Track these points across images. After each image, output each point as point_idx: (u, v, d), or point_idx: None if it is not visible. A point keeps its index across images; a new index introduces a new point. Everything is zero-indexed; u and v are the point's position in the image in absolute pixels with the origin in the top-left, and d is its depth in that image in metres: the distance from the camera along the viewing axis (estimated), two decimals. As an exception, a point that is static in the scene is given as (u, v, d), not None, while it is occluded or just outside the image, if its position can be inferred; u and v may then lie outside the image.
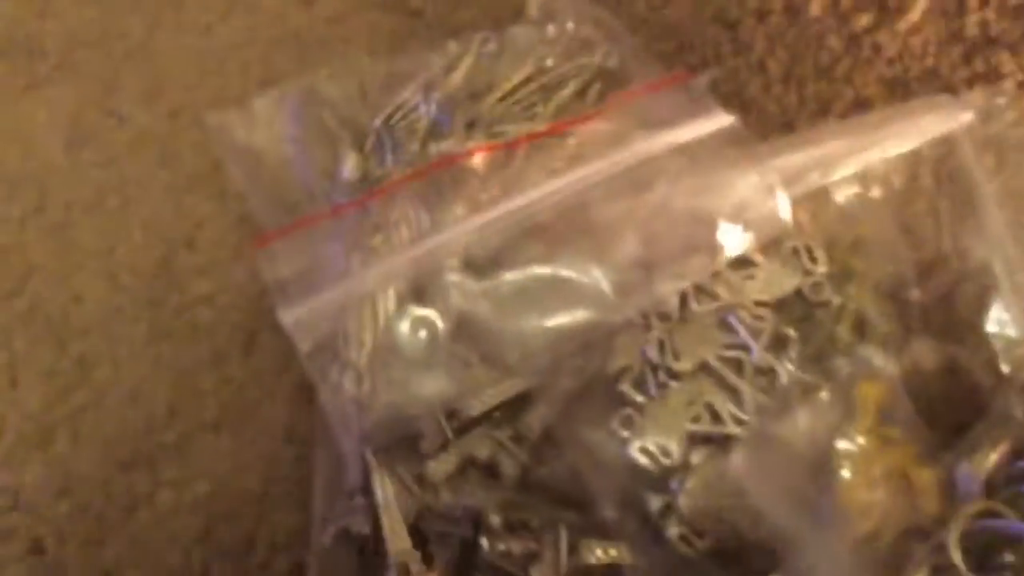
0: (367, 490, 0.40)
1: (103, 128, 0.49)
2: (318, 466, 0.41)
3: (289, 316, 0.41)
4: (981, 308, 0.44)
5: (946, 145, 0.46)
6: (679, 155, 0.43)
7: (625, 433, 0.40)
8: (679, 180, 0.42)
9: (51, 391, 0.46)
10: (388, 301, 0.42)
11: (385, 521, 0.40)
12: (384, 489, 0.40)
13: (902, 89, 0.49)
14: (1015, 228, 0.45)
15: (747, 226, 0.43)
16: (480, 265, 0.42)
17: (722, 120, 0.43)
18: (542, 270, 0.41)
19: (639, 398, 0.41)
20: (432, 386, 0.41)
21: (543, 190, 0.42)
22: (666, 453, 0.40)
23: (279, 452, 0.45)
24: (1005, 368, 0.43)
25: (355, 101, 0.47)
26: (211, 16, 0.51)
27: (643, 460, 0.40)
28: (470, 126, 0.46)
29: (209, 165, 0.48)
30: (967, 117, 0.45)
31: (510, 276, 0.41)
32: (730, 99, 0.49)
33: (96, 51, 0.51)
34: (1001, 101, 0.48)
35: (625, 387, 0.41)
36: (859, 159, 0.46)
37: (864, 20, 0.50)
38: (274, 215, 0.46)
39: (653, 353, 0.42)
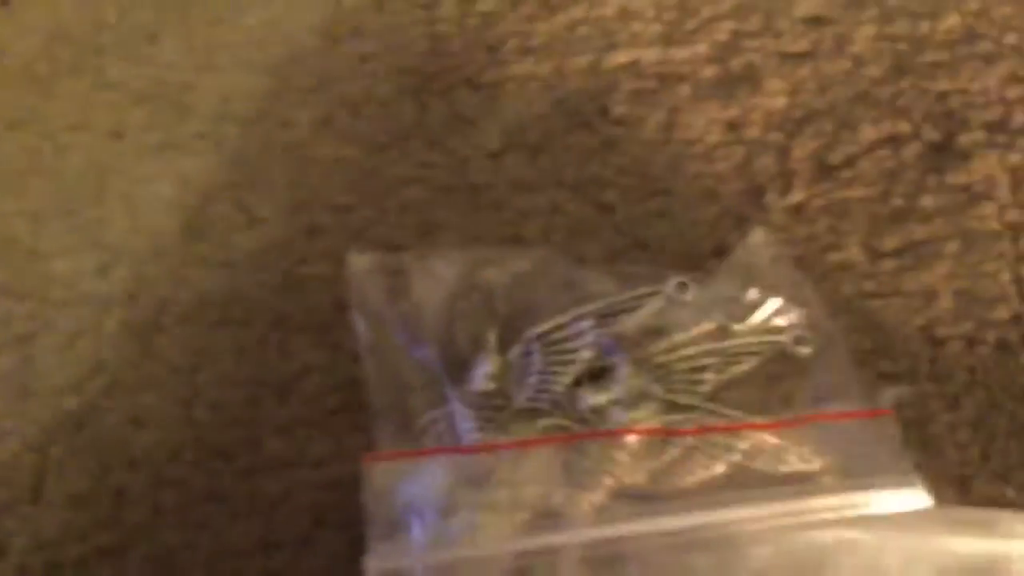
0: None
1: (229, 223, 0.43)
2: None
3: (377, 563, 0.36)
4: None
5: None
6: (860, 522, 0.37)
7: None
8: (852, 554, 0.37)
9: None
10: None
11: None
12: None
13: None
14: None
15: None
16: (598, 565, 0.37)
17: (917, 497, 0.38)
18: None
19: None
20: None
21: (693, 513, 0.37)
22: None
23: None
24: None
25: (517, 298, 0.41)
26: (388, 136, 0.45)
27: None
28: (633, 376, 0.41)
29: (332, 306, 0.42)
30: None
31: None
32: (910, 427, 0.44)
33: (250, 130, 0.44)
34: None
35: None
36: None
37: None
38: (381, 390, 0.40)
39: None
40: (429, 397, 0.40)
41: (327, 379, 0.42)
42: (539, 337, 0.41)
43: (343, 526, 0.38)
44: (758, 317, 0.42)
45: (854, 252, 0.45)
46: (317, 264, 0.43)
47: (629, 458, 0.38)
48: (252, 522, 0.39)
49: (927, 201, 0.46)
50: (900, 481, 0.38)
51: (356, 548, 0.36)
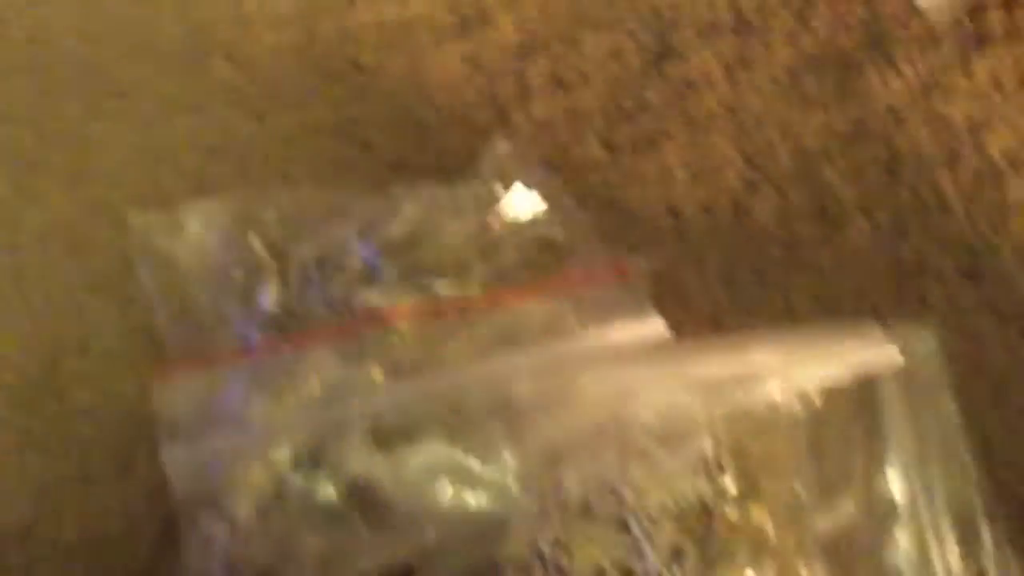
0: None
1: (16, 206, 0.47)
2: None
3: (172, 456, 0.39)
4: (879, 541, 0.44)
5: (867, 374, 0.46)
6: (606, 352, 0.42)
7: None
8: (602, 378, 0.42)
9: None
10: (283, 454, 0.40)
11: None
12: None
13: (831, 305, 0.49)
14: (922, 468, 0.45)
15: (663, 431, 0.43)
16: (386, 435, 0.41)
17: (655, 328, 0.43)
18: (448, 453, 0.40)
19: (524, 593, 0.40)
20: (310, 547, 0.39)
21: (467, 371, 0.41)
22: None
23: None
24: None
25: (289, 229, 0.46)
26: (155, 112, 0.50)
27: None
28: (402, 278, 0.45)
29: (120, 267, 0.46)
30: (893, 353, 0.46)
31: (414, 453, 0.40)
32: (664, 285, 0.49)
33: (27, 128, 0.49)
34: (930, 342, 0.49)
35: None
36: (781, 376, 0.46)
37: (805, 230, 0.51)
38: (178, 333, 0.44)
39: (546, 547, 0.41)
40: (218, 326, 0.44)
41: (121, 330, 0.46)
42: (314, 257, 0.45)
43: (154, 457, 0.41)
44: (511, 212, 0.48)
45: (594, 149, 0.51)
46: (102, 231, 0.47)
47: (400, 340, 0.43)
48: (68, 462, 0.42)
49: (652, 97, 0.52)
50: (641, 318, 0.44)
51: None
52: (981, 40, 0.55)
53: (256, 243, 0.45)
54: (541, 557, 0.41)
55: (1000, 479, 0.46)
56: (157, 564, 0.42)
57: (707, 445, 0.44)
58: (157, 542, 0.42)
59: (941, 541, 0.45)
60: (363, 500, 0.40)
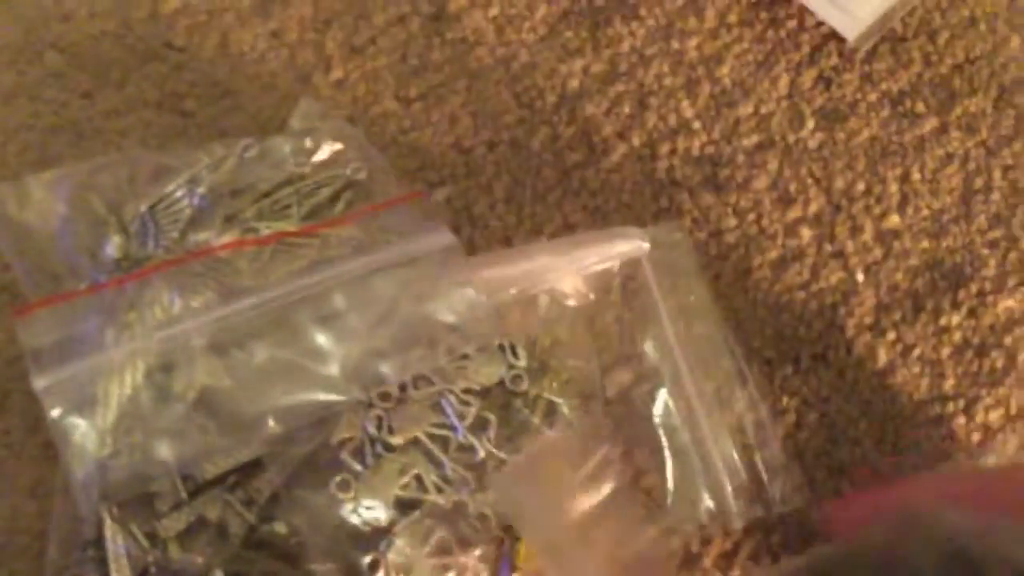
0: (100, 544, 0.44)
1: None
2: (56, 521, 0.45)
3: (41, 382, 0.45)
4: (651, 402, 0.54)
5: (632, 267, 0.55)
6: (409, 264, 0.50)
7: (342, 496, 0.47)
8: (408, 286, 0.50)
9: None
10: (136, 373, 0.47)
11: (114, 572, 0.45)
12: (115, 543, 0.45)
13: (602, 218, 0.59)
14: (682, 338, 0.55)
15: (462, 327, 0.51)
16: (225, 345, 0.48)
17: (447, 238, 0.51)
18: (281, 354, 0.47)
19: (357, 467, 0.47)
20: (170, 450, 0.46)
21: (287, 286, 0.49)
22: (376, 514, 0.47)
23: (22, 506, 0.48)
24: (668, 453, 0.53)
25: (124, 189, 0.52)
26: (-7, 98, 0.56)
27: (355, 520, 0.47)
28: (228, 220, 0.52)
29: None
30: (647, 246, 0.55)
31: (252, 357, 0.47)
32: (460, 213, 0.57)
33: None
34: (679, 234, 0.59)
35: (345, 456, 0.47)
36: (560, 274, 0.55)
37: (575, 158, 0.60)
38: (37, 286, 0.50)
39: (372, 428, 0.49)
40: (71, 277, 0.50)
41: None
42: (149, 209, 0.52)
43: (28, 392, 0.47)
44: (319, 158, 0.56)
45: (389, 104, 0.59)
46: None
47: (231, 269, 0.50)
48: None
49: (436, 55, 0.61)
50: (434, 233, 0.52)
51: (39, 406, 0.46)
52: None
53: (96, 202, 0.51)
54: (369, 436, 0.49)
55: (749, 345, 0.57)
56: (41, 479, 0.49)
57: (500, 335, 0.53)
58: (39, 461, 0.49)
59: (702, 398, 0.55)
60: (210, 406, 0.47)
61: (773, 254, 0.59)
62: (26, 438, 0.50)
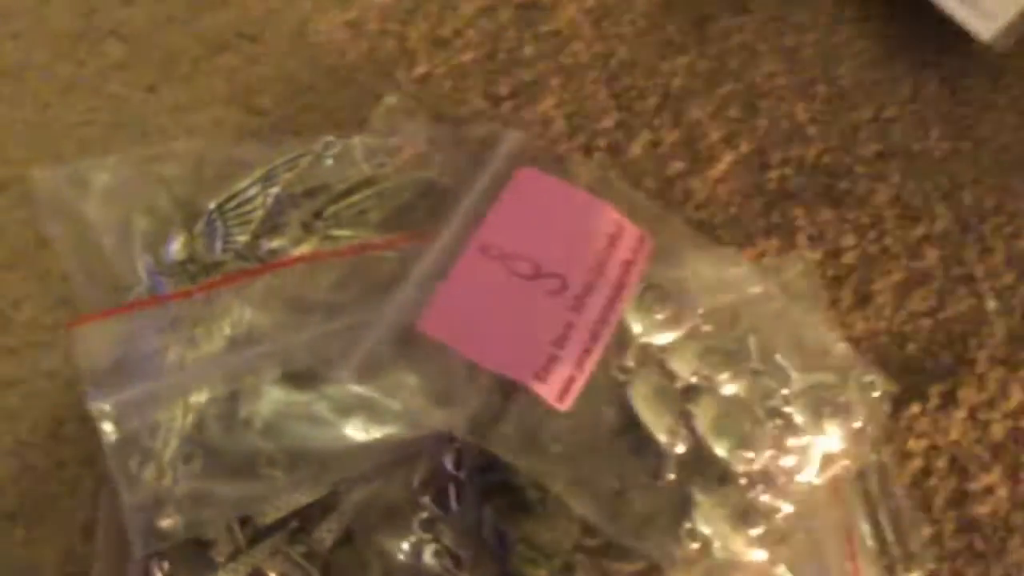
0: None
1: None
2: (99, 566, 0.41)
3: (98, 405, 0.41)
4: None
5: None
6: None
7: (426, 536, 0.42)
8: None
9: None
10: (201, 397, 0.43)
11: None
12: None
13: (707, 233, 0.53)
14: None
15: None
16: (300, 374, 0.44)
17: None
18: (358, 389, 0.42)
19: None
20: (232, 488, 0.42)
21: (371, 307, 0.44)
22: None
23: (75, 548, 0.44)
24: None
25: (191, 183, 0.48)
26: (50, 94, 0.51)
27: (436, 564, 0.42)
28: (305, 227, 0.48)
29: (34, 242, 0.48)
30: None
31: (327, 391, 0.43)
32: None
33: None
34: (794, 253, 0.54)
35: (426, 499, 0.43)
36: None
37: (678, 166, 0.55)
38: (95, 292, 0.46)
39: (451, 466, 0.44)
40: (129, 278, 0.46)
41: (40, 302, 0.47)
42: (217, 208, 0.47)
43: (84, 419, 0.43)
44: (402, 159, 0.51)
45: (477, 102, 0.54)
46: (12, 212, 0.49)
47: (305, 281, 0.45)
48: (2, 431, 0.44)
49: (527, 50, 0.56)
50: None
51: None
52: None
53: (161, 194, 0.47)
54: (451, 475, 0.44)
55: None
56: (96, 520, 0.44)
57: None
58: (95, 498, 0.45)
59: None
60: (279, 439, 0.43)
61: (897, 276, 0.54)
62: (81, 471, 0.45)
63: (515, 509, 0.41)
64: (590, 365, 0.43)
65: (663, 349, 0.44)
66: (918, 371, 0.52)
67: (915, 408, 0.51)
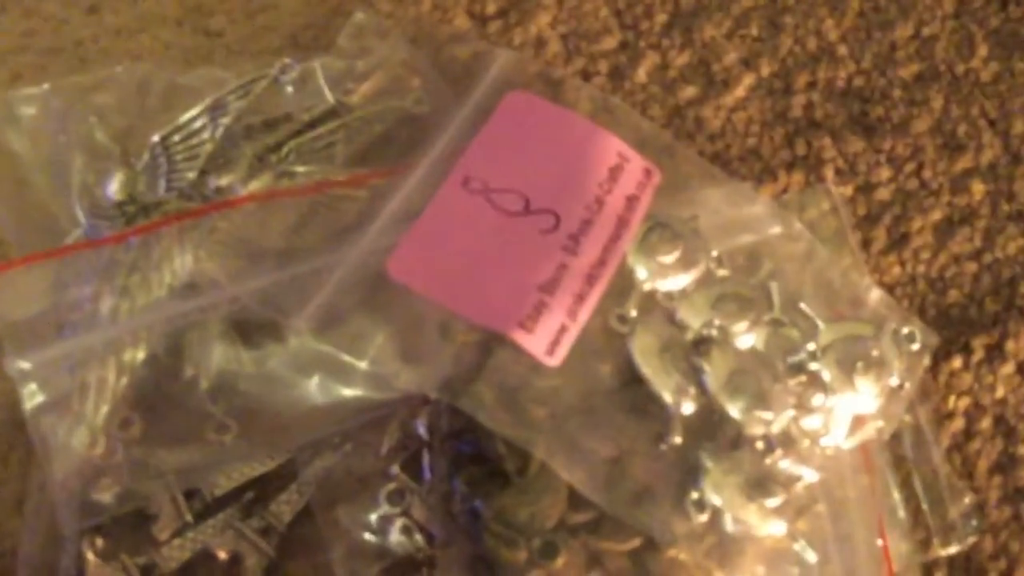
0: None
1: None
2: (28, 542, 0.36)
3: (18, 364, 0.36)
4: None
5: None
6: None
7: (394, 509, 0.37)
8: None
9: None
10: (137, 354, 0.37)
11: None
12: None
13: (723, 167, 0.47)
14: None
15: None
16: (251, 327, 0.39)
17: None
18: (317, 344, 0.37)
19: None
20: (177, 455, 0.36)
21: (329, 252, 0.39)
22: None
23: (4, 524, 0.39)
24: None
25: (132, 113, 0.42)
26: (-20, 15, 0.46)
27: (404, 541, 0.37)
28: (259, 160, 0.42)
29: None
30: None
31: (282, 342, 0.37)
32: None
33: None
34: (819, 188, 0.48)
35: (396, 469, 0.38)
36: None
37: (689, 92, 0.49)
38: (27, 236, 0.41)
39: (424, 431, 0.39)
40: (64, 218, 0.41)
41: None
42: (161, 141, 0.42)
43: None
44: (372, 86, 0.45)
45: (461, 21, 0.48)
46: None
47: (257, 223, 0.40)
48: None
49: (518, -38, 0.50)
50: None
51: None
52: None
53: (97, 127, 0.42)
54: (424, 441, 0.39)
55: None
56: (29, 490, 0.39)
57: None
58: (24, 468, 0.40)
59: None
60: (229, 400, 0.38)
61: (937, 215, 0.48)
62: (14, 437, 0.40)
63: (491, 481, 0.35)
64: (585, 314, 0.38)
65: (670, 296, 0.39)
66: (960, 321, 0.46)
67: (956, 362, 0.45)
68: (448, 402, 0.37)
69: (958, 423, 0.45)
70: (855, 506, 0.40)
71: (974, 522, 0.43)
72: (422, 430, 0.38)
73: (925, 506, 0.43)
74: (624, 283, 0.39)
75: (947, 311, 0.46)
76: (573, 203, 0.39)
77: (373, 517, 0.37)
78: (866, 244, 0.47)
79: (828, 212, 0.46)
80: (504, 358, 0.36)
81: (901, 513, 0.42)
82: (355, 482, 0.38)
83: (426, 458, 0.38)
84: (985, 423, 0.45)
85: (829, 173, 0.48)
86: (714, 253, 0.40)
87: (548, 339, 0.36)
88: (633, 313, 0.38)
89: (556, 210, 0.39)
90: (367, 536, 0.37)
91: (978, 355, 0.45)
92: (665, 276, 0.39)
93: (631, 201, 0.40)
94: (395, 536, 0.36)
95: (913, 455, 0.43)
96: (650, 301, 0.39)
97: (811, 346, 0.39)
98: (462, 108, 0.42)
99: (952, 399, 0.45)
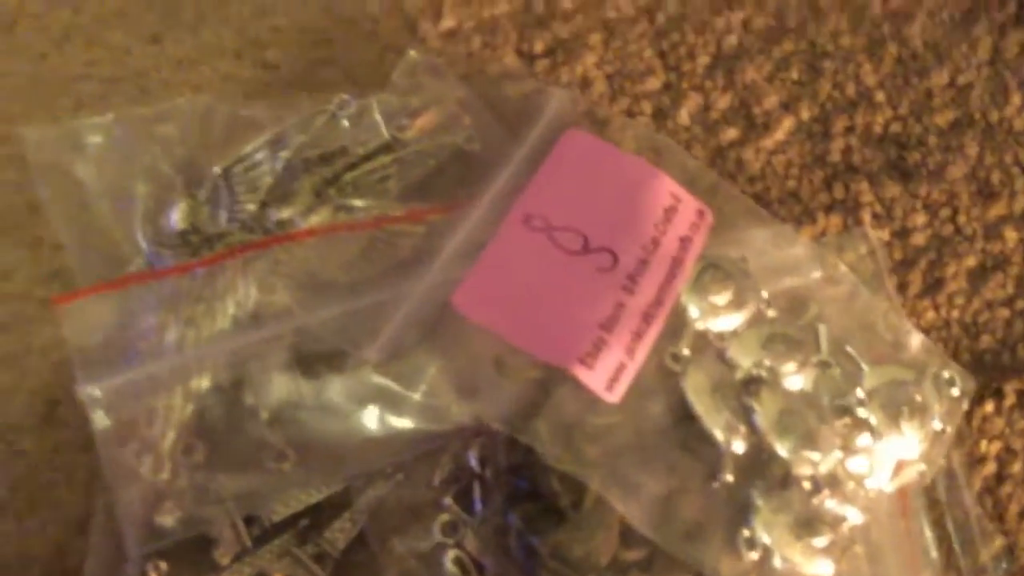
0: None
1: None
2: (92, 564, 0.36)
3: (88, 390, 0.37)
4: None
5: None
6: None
7: (447, 540, 0.38)
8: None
9: None
10: (203, 381, 0.38)
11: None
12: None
13: (763, 208, 0.48)
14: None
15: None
16: (311, 359, 0.39)
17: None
18: (376, 378, 0.38)
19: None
20: (237, 482, 0.37)
21: (392, 286, 0.39)
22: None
23: (69, 543, 0.40)
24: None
25: (194, 144, 0.43)
26: (46, 43, 0.46)
27: (456, 572, 0.38)
28: (317, 194, 0.43)
29: (25, 207, 0.43)
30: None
31: (340, 379, 0.38)
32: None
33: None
34: (857, 231, 0.49)
35: (448, 500, 0.38)
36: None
37: (730, 134, 0.50)
38: (91, 264, 0.41)
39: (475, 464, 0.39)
40: (127, 246, 0.41)
41: (32, 273, 0.43)
42: (223, 173, 0.43)
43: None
44: (425, 122, 0.46)
45: (510, 59, 0.49)
46: (1, 173, 0.44)
47: (318, 257, 0.41)
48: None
49: (566, 2, 0.50)
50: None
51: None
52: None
53: (160, 157, 0.43)
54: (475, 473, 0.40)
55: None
56: (92, 510, 0.39)
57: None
58: (89, 489, 0.40)
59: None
60: (288, 430, 0.39)
61: (971, 261, 0.49)
62: (76, 458, 0.41)
63: (545, 517, 0.36)
64: (643, 352, 0.39)
65: (722, 336, 0.40)
66: (993, 366, 0.47)
67: (989, 407, 0.46)
68: (503, 437, 0.38)
69: (990, 467, 0.46)
70: (891, 548, 0.41)
71: (1004, 564, 0.44)
72: (474, 462, 0.39)
73: (957, 548, 0.44)
74: (677, 322, 0.41)
75: (980, 356, 0.47)
76: (630, 243, 0.40)
77: (426, 547, 0.38)
78: (902, 288, 0.48)
79: (865, 256, 0.48)
80: (563, 395, 0.37)
81: (934, 553, 0.43)
82: (407, 512, 0.38)
83: (477, 491, 0.39)
84: (1016, 467, 0.46)
85: (866, 217, 0.49)
86: (764, 294, 0.41)
87: (607, 375, 0.37)
88: (686, 352, 0.39)
89: (614, 249, 0.40)
90: (419, 566, 0.38)
91: (1010, 400, 0.46)
92: (717, 316, 0.40)
93: (684, 242, 0.41)
94: (448, 567, 0.37)
95: (946, 497, 0.44)
96: (702, 340, 0.40)
97: (860, 392, 0.40)
98: (520, 146, 0.43)
99: (984, 443, 0.46)
